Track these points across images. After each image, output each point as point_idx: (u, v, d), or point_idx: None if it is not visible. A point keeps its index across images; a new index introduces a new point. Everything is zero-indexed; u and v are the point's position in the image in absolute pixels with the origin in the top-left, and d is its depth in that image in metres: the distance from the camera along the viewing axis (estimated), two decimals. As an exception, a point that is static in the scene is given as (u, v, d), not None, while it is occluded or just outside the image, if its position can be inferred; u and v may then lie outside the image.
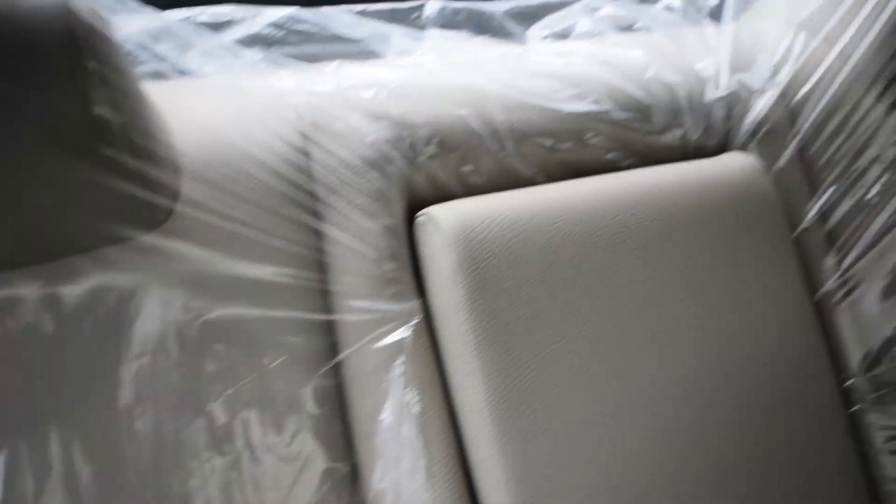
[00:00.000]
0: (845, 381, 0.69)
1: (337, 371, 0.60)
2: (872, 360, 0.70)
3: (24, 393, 0.54)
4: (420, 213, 0.62)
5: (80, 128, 0.53)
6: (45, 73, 0.52)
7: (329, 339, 0.60)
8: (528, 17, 0.79)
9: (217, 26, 0.73)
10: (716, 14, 0.79)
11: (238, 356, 0.57)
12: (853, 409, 0.69)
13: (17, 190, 0.52)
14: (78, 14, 0.53)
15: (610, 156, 0.69)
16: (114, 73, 0.55)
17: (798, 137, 0.72)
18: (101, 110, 0.54)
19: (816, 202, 0.71)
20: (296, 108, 0.62)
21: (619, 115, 0.68)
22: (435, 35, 0.73)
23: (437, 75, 0.67)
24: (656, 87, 0.70)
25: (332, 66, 0.68)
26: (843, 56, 0.72)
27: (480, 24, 0.77)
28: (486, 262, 0.59)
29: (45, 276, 0.55)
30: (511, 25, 0.77)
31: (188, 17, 0.72)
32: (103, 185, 0.55)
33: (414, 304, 0.61)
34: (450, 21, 0.76)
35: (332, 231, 0.60)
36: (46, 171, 0.53)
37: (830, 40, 0.73)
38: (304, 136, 0.61)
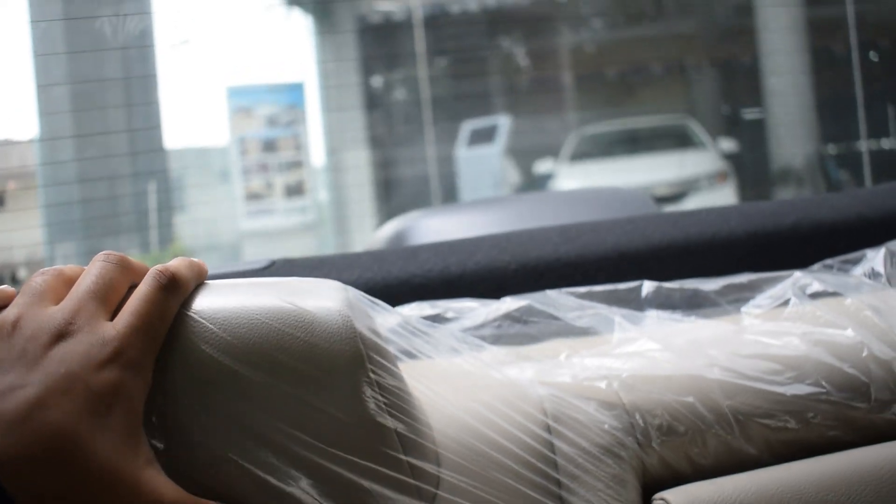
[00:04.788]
0: None
1: None
2: None
3: None
4: (655, 496, 0.67)
5: (362, 431, 0.62)
6: (335, 386, 0.62)
7: None
8: (737, 288, 0.85)
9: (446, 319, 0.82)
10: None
11: None
12: None
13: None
14: (362, 333, 0.64)
15: (833, 433, 0.72)
16: (391, 380, 0.64)
17: None
18: (380, 415, 0.63)
19: None
20: (538, 400, 0.70)
21: (837, 395, 0.72)
22: (653, 315, 0.80)
23: (662, 364, 0.73)
24: (872, 365, 0.73)
25: (563, 356, 0.75)
26: None
27: (694, 302, 0.84)
28: (723, 549, 0.63)
29: None
30: (722, 301, 0.84)
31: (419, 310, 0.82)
32: (378, 475, 0.63)
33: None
34: (665, 300, 0.83)
35: None
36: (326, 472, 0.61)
37: None
38: (548, 428, 0.68)
